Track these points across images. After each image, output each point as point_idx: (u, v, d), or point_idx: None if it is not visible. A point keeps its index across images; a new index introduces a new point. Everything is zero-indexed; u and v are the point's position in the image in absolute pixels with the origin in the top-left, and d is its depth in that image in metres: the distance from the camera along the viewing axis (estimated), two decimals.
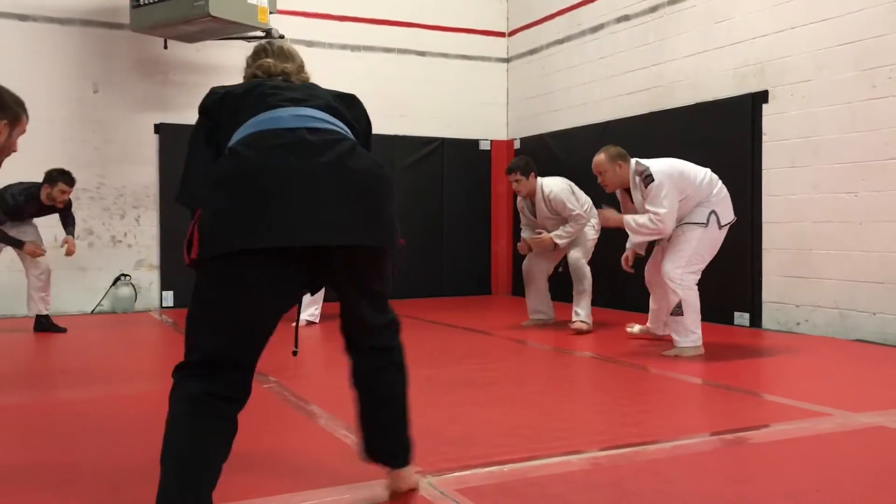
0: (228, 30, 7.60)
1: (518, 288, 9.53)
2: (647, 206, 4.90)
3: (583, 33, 8.55)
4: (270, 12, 7.68)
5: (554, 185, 6.20)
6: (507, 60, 9.89)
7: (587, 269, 6.21)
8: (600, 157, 5.13)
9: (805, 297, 6.12)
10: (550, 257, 6.44)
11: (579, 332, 6.03)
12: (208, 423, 2.01)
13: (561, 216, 6.19)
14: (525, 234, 6.55)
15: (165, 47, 8.04)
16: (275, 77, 2.58)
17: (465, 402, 3.79)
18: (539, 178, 6.25)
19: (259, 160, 2.06)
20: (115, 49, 8.02)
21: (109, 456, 2.89)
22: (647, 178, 4.90)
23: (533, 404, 3.73)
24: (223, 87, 2.46)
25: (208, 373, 2.02)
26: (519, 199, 6.52)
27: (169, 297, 8.14)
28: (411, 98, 9.29)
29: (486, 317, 7.61)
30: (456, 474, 2.62)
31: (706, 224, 4.93)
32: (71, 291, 7.70)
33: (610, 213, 5.18)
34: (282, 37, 8.16)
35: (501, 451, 2.86)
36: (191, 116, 9.17)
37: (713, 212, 4.95)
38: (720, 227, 4.97)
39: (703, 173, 5.02)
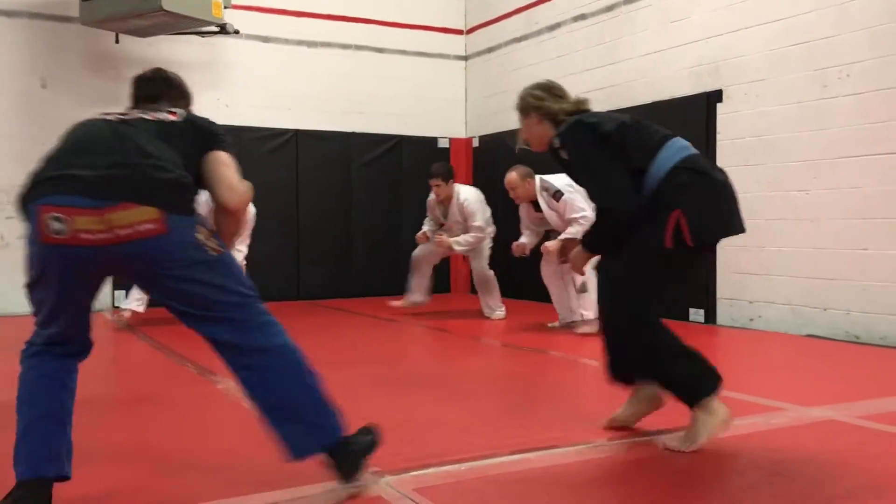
0: (182, 24, 7.46)
1: None
2: (571, 215, 5.65)
3: (540, 32, 8.57)
4: (225, 7, 7.57)
5: (469, 194, 6.88)
6: (466, 58, 9.88)
7: (491, 274, 6.97)
8: (512, 176, 5.93)
9: (758, 293, 6.21)
10: (441, 253, 7.09)
11: (501, 319, 6.86)
12: None
13: (466, 223, 6.84)
14: (427, 226, 7.16)
15: (117, 42, 7.87)
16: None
17: (421, 401, 3.76)
18: (456, 185, 6.90)
19: (718, 175, 2.94)
20: (65, 43, 7.83)
21: None
22: (557, 194, 5.74)
23: (490, 401, 3.72)
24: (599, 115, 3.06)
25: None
26: (432, 200, 7.06)
27: (122, 297, 7.97)
28: (369, 95, 9.23)
29: (444, 314, 7.60)
30: (413, 473, 2.59)
31: None
32: (16, 291, 7.50)
33: (553, 245, 5.73)
34: (237, 32, 8.06)
35: (459, 450, 2.84)
36: None
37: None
38: None
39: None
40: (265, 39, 8.73)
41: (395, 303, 7.27)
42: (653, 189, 2.81)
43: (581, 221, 5.48)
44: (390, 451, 2.83)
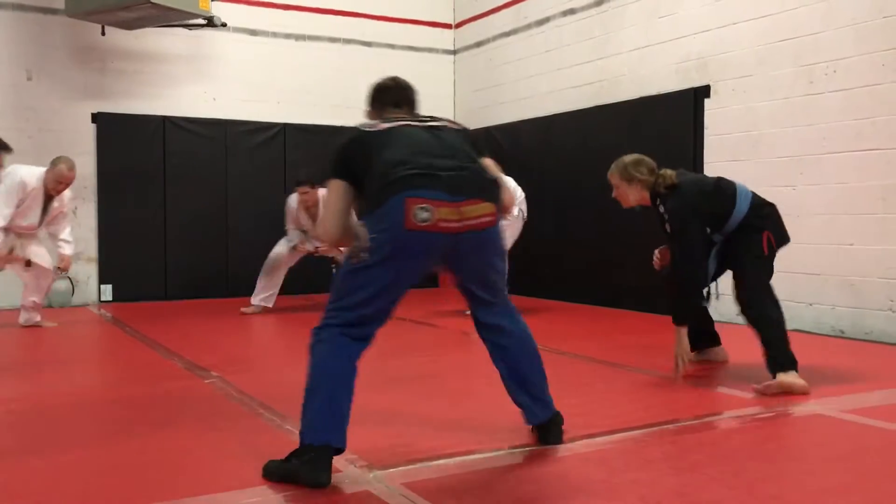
0: (168, 17, 7.42)
1: None
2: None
3: (529, 26, 8.57)
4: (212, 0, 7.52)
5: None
6: (454, 53, 9.87)
7: None
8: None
9: None
10: (297, 257, 7.03)
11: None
12: None
13: None
14: (294, 239, 6.94)
15: (103, 34, 7.81)
16: None
17: (411, 396, 3.77)
18: (321, 190, 6.58)
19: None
20: (50, 35, 7.76)
21: (44, 453, 2.79)
22: None
23: (479, 397, 3.72)
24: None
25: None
26: (294, 209, 6.86)
27: (108, 291, 7.94)
28: (357, 89, 9.05)
29: (434, 310, 7.60)
30: (402, 468, 2.59)
31: (517, 218, 6.57)
32: (2, 285, 7.45)
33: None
34: (224, 25, 8.01)
35: (448, 445, 2.85)
36: (129, 105, 8.99)
37: (520, 209, 6.60)
38: (524, 220, 6.69)
39: (512, 182, 6.39)
40: (253, 32, 8.69)
41: (245, 309, 6.95)
42: (740, 222, 4.09)
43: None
44: (380, 445, 2.84)
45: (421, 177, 2.49)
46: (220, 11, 7.93)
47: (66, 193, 6.13)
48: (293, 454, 2.46)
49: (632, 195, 4.19)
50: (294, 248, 6.96)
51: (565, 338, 5.50)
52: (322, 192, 6.55)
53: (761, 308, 4.01)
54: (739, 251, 4.12)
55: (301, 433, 2.46)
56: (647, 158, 4.19)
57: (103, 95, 8.01)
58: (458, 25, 9.81)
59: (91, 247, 7.95)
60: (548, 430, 2.88)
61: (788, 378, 3.74)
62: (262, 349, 5.50)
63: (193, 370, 4.35)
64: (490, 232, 2.63)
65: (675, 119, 6.75)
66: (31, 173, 5.87)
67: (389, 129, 2.68)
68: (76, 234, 7.89)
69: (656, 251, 4.47)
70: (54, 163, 5.91)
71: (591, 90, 7.75)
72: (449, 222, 2.50)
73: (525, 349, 2.88)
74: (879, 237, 5.36)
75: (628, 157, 4.20)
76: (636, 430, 3.07)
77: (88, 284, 7.95)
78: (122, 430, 3.14)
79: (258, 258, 8.48)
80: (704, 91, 6.54)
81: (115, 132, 7.99)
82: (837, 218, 5.60)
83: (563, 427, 2.93)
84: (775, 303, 4.06)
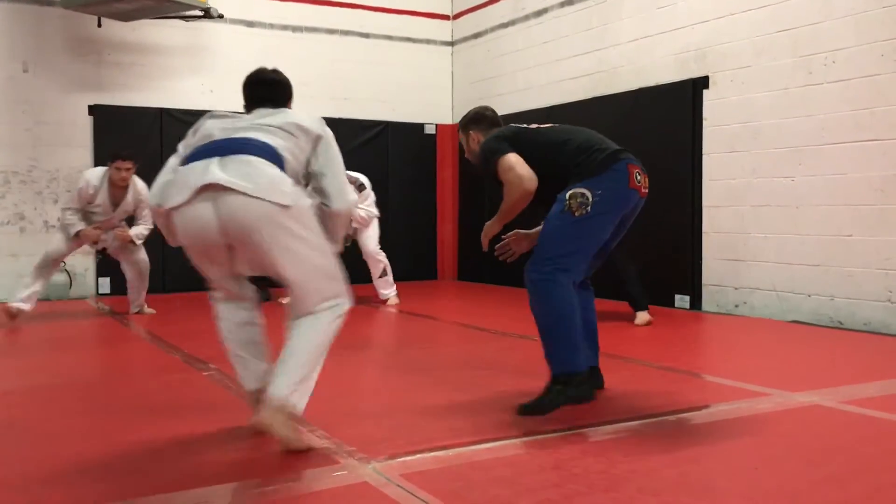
0: (166, 8, 7.39)
1: (464, 273, 9.54)
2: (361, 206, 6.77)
3: (527, 17, 8.55)
4: None
5: (142, 182, 6.07)
6: (452, 44, 9.84)
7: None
8: None
9: (743, 279, 6.24)
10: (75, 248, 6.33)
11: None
12: None
13: (133, 213, 6.31)
14: (79, 223, 6.09)
15: (99, 25, 7.78)
16: None
17: (408, 387, 3.76)
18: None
19: None
20: (46, 27, 7.73)
21: (41, 451, 2.79)
22: (361, 187, 6.77)
23: (478, 388, 3.72)
24: None
25: None
26: (94, 186, 6.06)
27: (106, 284, 7.93)
28: (355, 81, 9.18)
29: (432, 301, 7.60)
30: (400, 459, 2.59)
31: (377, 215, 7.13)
32: (1, 278, 7.44)
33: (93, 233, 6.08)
34: (221, 16, 7.98)
35: (446, 436, 2.85)
36: (126, 97, 8.96)
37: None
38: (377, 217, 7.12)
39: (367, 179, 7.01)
40: (250, 24, 8.66)
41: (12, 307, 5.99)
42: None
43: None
44: (378, 437, 2.83)
45: (625, 152, 3.26)
46: (217, 3, 7.90)
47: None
48: (551, 385, 3.13)
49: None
50: (93, 234, 6.15)
51: None
52: (134, 176, 6.13)
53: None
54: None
55: (556, 366, 3.13)
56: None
57: (100, 88, 7.98)
58: (456, 16, 9.77)
59: None
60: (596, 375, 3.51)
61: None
62: None
63: (191, 362, 4.34)
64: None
65: (673, 110, 6.74)
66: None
67: (549, 126, 3.49)
68: None
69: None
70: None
71: (589, 81, 7.73)
72: (644, 187, 3.28)
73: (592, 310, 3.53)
74: (878, 228, 5.36)
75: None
76: (635, 421, 3.06)
77: (86, 277, 7.93)
78: (120, 421, 3.13)
79: None
80: (703, 82, 6.52)
81: (112, 124, 7.96)
82: (836, 209, 5.59)
83: (562, 417, 3.03)
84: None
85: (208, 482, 2.40)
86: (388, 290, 7.07)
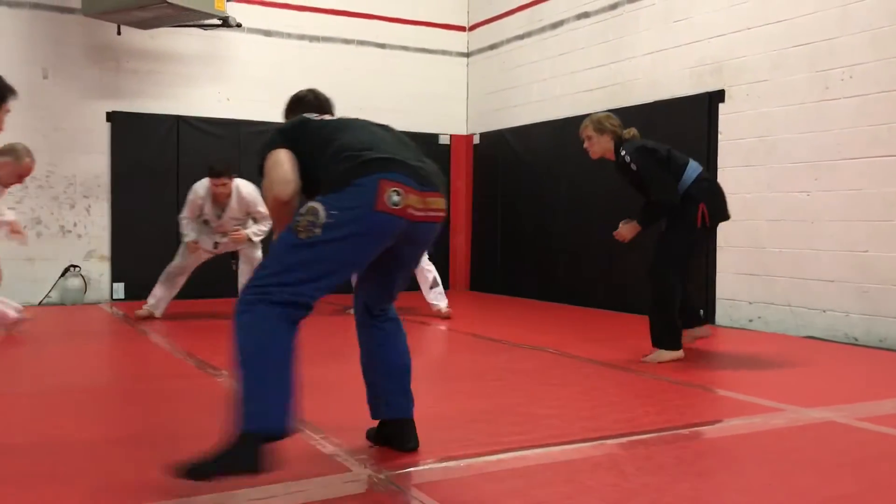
0: (184, 17, 7.45)
1: (476, 283, 9.54)
2: None
3: (543, 29, 8.56)
4: (227, 0, 7.54)
5: (249, 187, 6.39)
6: (468, 55, 9.87)
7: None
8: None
9: (757, 294, 6.21)
10: (203, 258, 6.64)
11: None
12: None
13: (247, 217, 6.54)
14: (192, 233, 6.45)
15: (119, 33, 7.86)
16: None
17: (420, 397, 3.75)
18: (238, 181, 6.42)
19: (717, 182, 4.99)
20: (66, 34, 7.81)
21: (55, 450, 2.80)
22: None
23: (489, 399, 3.72)
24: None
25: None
26: (200, 198, 6.40)
27: (120, 289, 7.97)
28: (370, 91, 9.21)
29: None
30: (412, 469, 2.59)
31: None
32: (17, 282, 7.49)
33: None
34: (239, 25, 8.05)
35: (458, 446, 2.84)
36: (144, 104, 9.03)
37: None
38: None
39: None
40: (267, 33, 8.72)
41: (139, 312, 6.57)
42: (683, 191, 4.58)
43: None
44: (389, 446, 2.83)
45: (393, 162, 2.52)
46: (235, 12, 7.96)
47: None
48: (235, 443, 2.31)
49: (600, 146, 4.76)
50: (193, 246, 6.44)
51: (578, 342, 5.48)
52: (239, 182, 6.38)
53: (662, 281, 4.58)
54: (673, 219, 4.59)
55: (243, 420, 2.31)
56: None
57: (118, 95, 8.05)
58: (472, 28, 9.81)
59: (104, 245, 7.99)
60: (403, 427, 2.80)
61: (664, 356, 4.55)
62: None
63: (205, 368, 4.36)
64: (438, 226, 2.69)
65: (689, 123, 6.72)
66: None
67: (339, 118, 2.80)
68: (88, 232, 7.96)
69: (621, 224, 4.76)
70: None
71: (604, 94, 7.74)
72: (416, 209, 2.52)
73: (404, 343, 2.90)
74: (894, 244, 5.32)
75: (601, 113, 4.91)
76: (648, 435, 3.05)
77: (101, 282, 7.98)
78: (134, 425, 3.14)
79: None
80: (719, 96, 6.51)
81: (129, 131, 8.03)
82: (852, 224, 5.56)
83: (573, 429, 2.94)
84: (678, 280, 4.59)
85: (217, 489, 2.40)
86: (440, 301, 6.80)
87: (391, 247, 2.60)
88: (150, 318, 6.47)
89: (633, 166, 4.56)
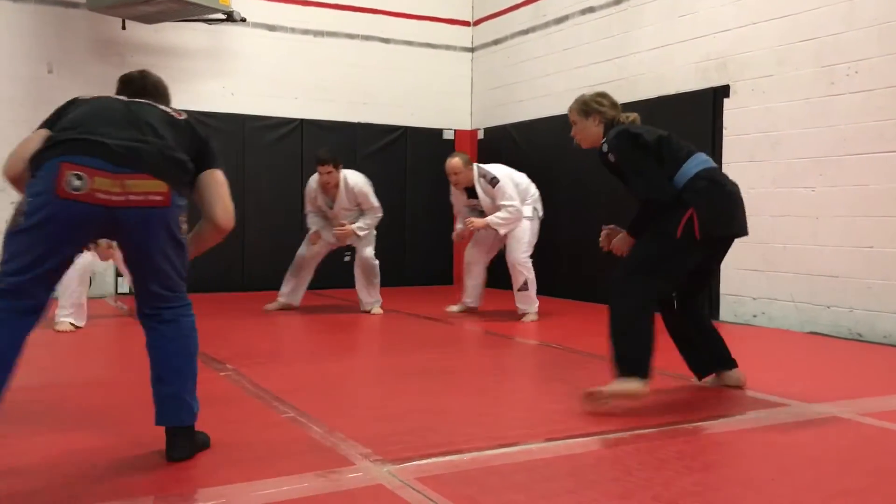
0: (189, 11, 7.45)
1: None
2: (501, 202, 6.19)
3: (547, 24, 8.55)
4: None
5: (357, 178, 6.52)
6: (472, 50, 9.86)
7: (377, 263, 6.65)
8: (455, 161, 6.31)
9: (762, 289, 6.20)
10: (326, 251, 6.81)
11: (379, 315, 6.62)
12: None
13: (357, 208, 6.58)
14: (315, 223, 6.69)
15: (123, 28, 7.86)
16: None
17: (424, 391, 3.77)
18: (342, 171, 6.50)
19: (729, 185, 3.61)
20: (71, 28, 7.81)
21: (60, 444, 2.81)
22: (493, 181, 6.22)
23: (492, 393, 3.72)
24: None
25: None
26: (313, 190, 6.60)
27: (124, 283, 7.99)
28: (374, 85, 9.22)
29: (447, 306, 7.60)
30: (416, 463, 2.59)
31: (532, 218, 6.38)
32: None
33: (475, 220, 6.31)
34: (243, 20, 8.05)
35: (461, 440, 2.85)
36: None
37: (535, 208, 6.43)
38: (539, 219, 6.47)
39: (525, 178, 6.51)
40: (271, 28, 8.71)
41: (269, 305, 6.82)
42: (677, 191, 3.41)
43: (510, 209, 6.18)
44: (393, 439, 2.84)
45: (83, 143, 2.38)
46: (239, 6, 7.96)
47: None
48: None
49: (587, 133, 3.77)
50: (313, 237, 6.64)
51: (582, 337, 5.48)
52: (347, 173, 6.49)
53: (620, 298, 3.38)
54: (656, 223, 3.44)
55: None
56: (610, 95, 3.82)
57: None
58: (477, 23, 9.79)
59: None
60: (173, 435, 2.58)
61: (622, 386, 3.26)
62: (276, 343, 5.51)
63: (208, 363, 4.37)
64: (159, 212, 2.43)
65: (693, 119, 6.71)
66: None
67: (89, 97, 2.66)
68: None
69: (604, 228, 3.81)
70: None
71: (609, 89, 7.63)
72: (108, 194, 2.35)
73: (179, 346, 2.60)
74: None
75: (589, 93, 3.89)
76: (652, 429, 3.05)
77: (105, 277, 8.00)
78: (136, 420, 3.15)
79: (273, 253, 8.51)
80: (724, 91, 6.50)
81: None
82: (857, 220, 5.55)
83: (576, 423, 2.92)
84: (647, 299, 3.37)
85: (223, 481, 2.41)
86: (527, 305, 6.32)
87: (120, 240, 2.52)
88: (284, 309, 6.70)
89: (611, 156, 3.53)
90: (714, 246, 3.56)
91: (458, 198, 6.57)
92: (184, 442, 2.59)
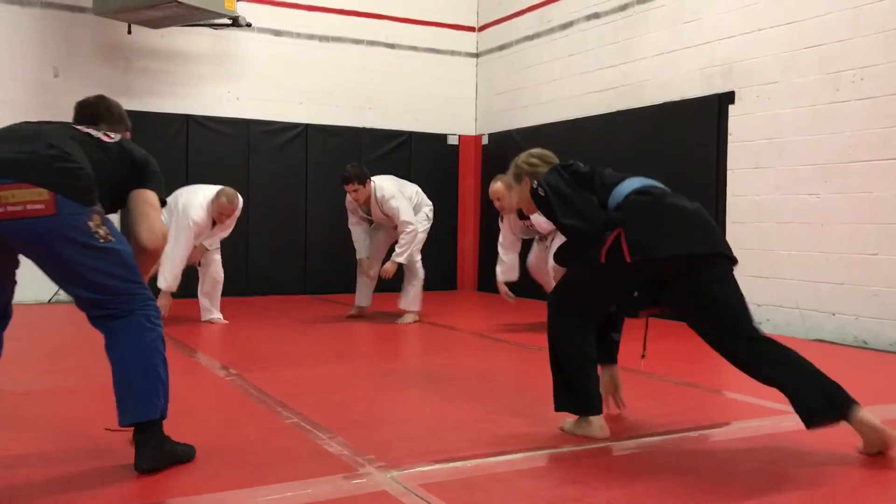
0: (194, 16, 7.47)
1: (484, 284, 9.54)
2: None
3: (552, 30, 8.56)
4: (237, 0, 7.57)
5: (385, 188, 6.34)
6: (477, 55, 9.87)
7: (420, 266, 6.57)
8: (498, 186, 5.77)
9: (767, 296, 6.19)
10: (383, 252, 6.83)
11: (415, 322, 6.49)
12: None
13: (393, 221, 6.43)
14: (361, 254, 6.66)
15: (129, 32, 7.89)
16: None
17: (428, 397, 3.76)
18: (371, 181, 6.35)
19: (669, 199, 3.04)
20: (77, 33, 7.84)
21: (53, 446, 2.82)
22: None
23: (496, 399, 3.71)
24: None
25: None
26: (351, 202, 6.52)
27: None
28: (379, 90, 9.23)
29: (452, 311, 7.60)
30: (419, 469, 2.59)
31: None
32: (26, 281, 7.51)
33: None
34: (249, 25, 8.07)
35: (466, 447, 2.84)
36: (154, 104, 9.06)
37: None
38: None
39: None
40: (277, 33, 8.73)
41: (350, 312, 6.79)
42: (609, 216, 2.99)
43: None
44: (396, 445, 2.84)
45: None
46: (245, 11, 7.98)
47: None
48: None
49: (525, 196, 3.33)
50: (366, 263, 6.65)
51: None
52: (377, 184, 6.33)
53: (550, 324, 3.12)
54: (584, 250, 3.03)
55: None
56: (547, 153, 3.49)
57: (128, 93, 8.07)
58: (482, 28, 9.81)
59: None
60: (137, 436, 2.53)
61: (581, 430, 3.03)
62: (280, 348, 5.52)
63: (212, 367, 4.37)
64: (45, 222, 2.35)
65: (698, 125, 6.71)
66: (197, 210, 5.95)
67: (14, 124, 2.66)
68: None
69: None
70: (217, 195, 5.99)
71: (614, 95, 7.72)
72: None
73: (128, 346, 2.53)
74: None
75: (523, 154, 3.51)
76: (656, 437, 3.05)
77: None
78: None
79: (278, 257, 8.52)
80: (729, 97, 6.49)
81: (138, 130, 7.94)
82: (862, 227, 5.54)
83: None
84: (578, 332, 3.06)
85: (226, 487, 2.41)
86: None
87: (22, 252, 2.53)
88: (359, 316, 6.70)
89: (540, 190, 3.10)
90: (667, 268, 2.96)
91: (511, 222, 6.12)
92: (144, 444, 2.49)
